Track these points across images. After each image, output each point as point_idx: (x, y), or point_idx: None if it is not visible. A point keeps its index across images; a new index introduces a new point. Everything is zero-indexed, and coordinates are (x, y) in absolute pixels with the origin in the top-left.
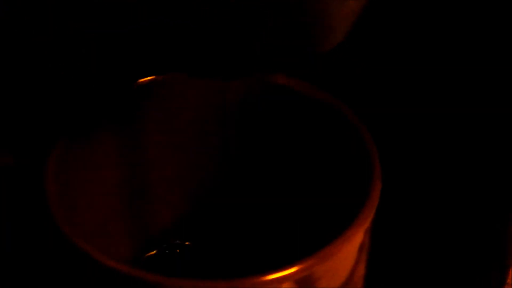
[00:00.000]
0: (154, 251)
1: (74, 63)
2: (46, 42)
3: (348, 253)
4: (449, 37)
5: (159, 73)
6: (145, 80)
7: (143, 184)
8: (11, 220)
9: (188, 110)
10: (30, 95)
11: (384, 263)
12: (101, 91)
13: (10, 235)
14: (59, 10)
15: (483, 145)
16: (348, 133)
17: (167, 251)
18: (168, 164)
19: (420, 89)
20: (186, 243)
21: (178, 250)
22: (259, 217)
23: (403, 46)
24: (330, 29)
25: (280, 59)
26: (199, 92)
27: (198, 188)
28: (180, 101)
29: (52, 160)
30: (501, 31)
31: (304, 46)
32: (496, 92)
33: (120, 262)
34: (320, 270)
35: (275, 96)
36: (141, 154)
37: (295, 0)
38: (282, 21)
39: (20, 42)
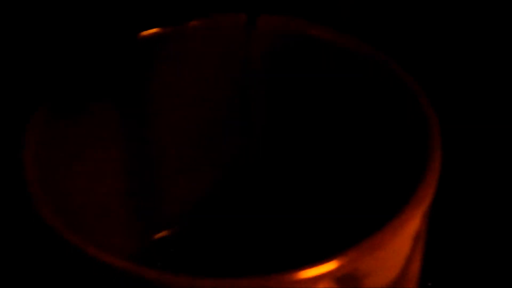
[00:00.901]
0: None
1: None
2: None
3: (401, 243)
4: None
5: (166, 23)
6: (149, 33)
7: (147, 164)
8: None
9: (202, 70)
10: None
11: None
12: (93, 48)
13: None
14: None
15: None
16: (401, 96)
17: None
18: (178, 140)
19: None
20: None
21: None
22: (287, 201)
23: None
24: None
25: None
26: (215, 46)
27: (215, 169)
28: (193, 59)
29: (31, 137)
30: None
31: None
32: None
33: (117, 255)
34: (367, 265)
35: (310, 52)
36: (145, 127)
37: None
38: None
39: None
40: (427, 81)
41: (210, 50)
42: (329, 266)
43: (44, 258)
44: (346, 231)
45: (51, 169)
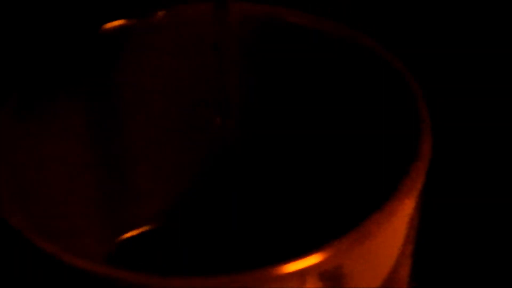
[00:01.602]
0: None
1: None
2: None
3: (394, 230)
4: None
5: (132, 14)
6: (113, 25)
7: (118, 162)
8: None
9: (171, 62)
10: None
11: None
12: (56, 41)
13: None
14: None
15: None
16: (386, 76)
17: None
18: (149, 135)
19: None
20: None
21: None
22: (274, 194)
23: None
24: None
25: None
26: (183, 37)
27: (192, 165)
28: (161, 51)
29: None
30: None
31: None
32: None
33: (87, 257)
34: (356, 257)
35: (290, 39)
36: (115, 123)
37: None
38: None
39: None
40: (425, 77)
41: (178, 42)
42: (315, 259)
43: (12, 263)
44: (336, 224)
45: (14, 165)
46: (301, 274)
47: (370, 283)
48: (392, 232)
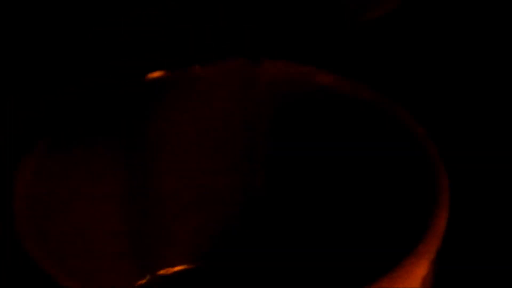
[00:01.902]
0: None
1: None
2: None
3: None
4: None
5: (170, 67)
6: (155, 76)
7: (147, 205)
8: None
9: (206, 113)
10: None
11: None
12: (100, 85)
13: None
14: None
15: None
16: (406, 142)
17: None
18: (179, 181)
19: None
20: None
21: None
22: (295, 241)
23: None
24: None
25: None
26: (220, 90)
27: (218, 209)
28: (198, 101)
29: (26, 170)
30: None
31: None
32: None
33: None
34: None
35: (314, 98)
36: (147, 167)
37: None
38: None
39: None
40: (434, 124)
41: (214, 94)
42: None
43: None
44: (351, 275)
45: (45, 205)
46: None
47: None
48: None
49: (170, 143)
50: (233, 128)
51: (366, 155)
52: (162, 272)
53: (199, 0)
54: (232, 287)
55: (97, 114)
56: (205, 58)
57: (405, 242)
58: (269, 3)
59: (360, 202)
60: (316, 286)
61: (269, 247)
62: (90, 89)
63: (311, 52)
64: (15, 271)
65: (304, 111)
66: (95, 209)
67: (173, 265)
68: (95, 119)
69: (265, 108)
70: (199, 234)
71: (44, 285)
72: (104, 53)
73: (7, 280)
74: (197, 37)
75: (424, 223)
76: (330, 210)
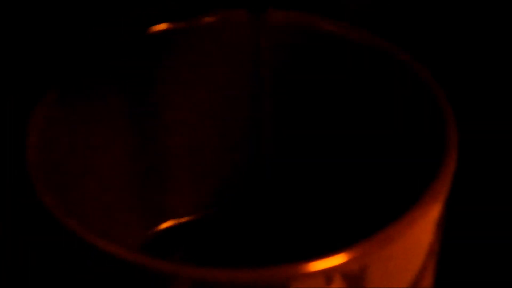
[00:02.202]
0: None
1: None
2: None
3: (420, 234)
4: None
5: (175, 18)
6: (158, 28)
7: (158, 153)
8: None
9: (211, 65)
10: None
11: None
12: (105, 38)
13: None
14: None
15: None
16: (415, 87)
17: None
18: (185, 135)
19: None
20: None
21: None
22: (300, 197)
23: None
24: None
25: None
26: (224, 41)
27: (227, 158)
28: (202, 54)
29: (37, 121)
30: None
31: None
32: None
33: (121, 244)
34: (382, 259)
35: (320, 45)
36: (155, 116)
37: None
38: None
39: None
40: (441, 74)
41: (218, 46)
42: (337, 260)
43: (46, 246)
44: (362, 228)
45: (55, 153)
46: (327, 273)
47: (394, 286)
48: (418, 236)
49: (175, 98)
50: (240, 80)
51: (373, 100)
52: (168, 224)
53: None
54: (237, 236)
55: (104, 66)
56: (210, 9)
57: (417, 185)
58: None
59: (368, 149)
60: (326, 233)
61: (274, 204)
62: (97, 41)
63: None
64: (29, 218)
65: (311, 59)
66: (103, 160)
67: (177, 217)
68: (100, 72)
69: (271, 57)
70: (204, 186)
71: (56, 230)
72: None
73: (20, 227)
74: None
75: (435, 165)
76: (341, 162)
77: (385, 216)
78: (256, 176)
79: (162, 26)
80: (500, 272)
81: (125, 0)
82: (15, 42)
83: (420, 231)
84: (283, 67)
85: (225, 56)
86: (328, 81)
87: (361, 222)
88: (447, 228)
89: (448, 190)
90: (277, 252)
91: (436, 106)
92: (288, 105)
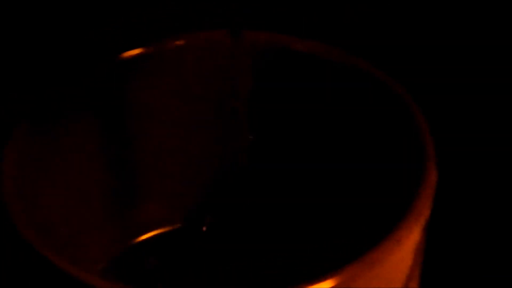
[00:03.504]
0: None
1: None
2: None
3: (402, 257)
4: None
5: (147, 43)
6: (130, 53)
7: (131, 168)
8: None
9: (185, 86)
10: None
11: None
12: (76, 66)
13: None
14: None
15: None
16: (391, 105)
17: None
18: (161, 156)
19: None
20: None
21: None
22: (281, 213)
23: None
24: None
25: None
26: (197, 62)
27: (201, 182)
28: (175, 76)
29: (11, 150)
30: None
31: None
32: None
33: (90, 267)
34: (367, 281)
35: (297, 65)
36: (127, 143)
37: None
38: None
39: None
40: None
41: (192, 67)
42: (325, 285)
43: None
44: (341, 248)
45: (30, 181)
46: None
47: None
48: (401, 258)
49: (149, 121)
50: (216, 97)
51: (347, 115)
52: (142, 237)
53: None
54: (215, 246)
55: (74, 94)
56: (188, 30)
57: (398, 206)
58: None
59: (345, 167)
60: (308, 259)
61: (253, 209)
62: (70, 70)
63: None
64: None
65: (286, 77)
66: (78, 181)
67: (153, 229)
68: (72, 99)
69: (248, 76)
70: (179, 198)
71: (30, 256)
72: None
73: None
74: (180, 10)
75: (413, 188)
76: (316, 172)
77: (371, 238)
78: (234, 186)
79: (133, 51)
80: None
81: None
82: None
83: (403, 252)
84: (259, 85)
85: (198, 75)
86: (305, 98)
87: (346, 244)
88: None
89: (428, 214)
90: (252, 265)
91: (412, 122)
92: (266, 117)
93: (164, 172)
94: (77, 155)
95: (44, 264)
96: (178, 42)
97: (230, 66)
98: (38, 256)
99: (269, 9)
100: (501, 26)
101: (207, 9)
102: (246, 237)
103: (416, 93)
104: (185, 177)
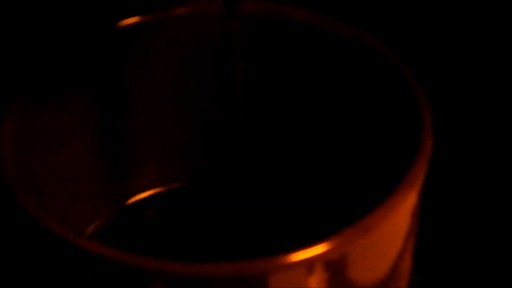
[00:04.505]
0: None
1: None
2: None
3: (398, 222)
4: None
5: (141, 12)
6: (127, 22)
7: (124, 142)
8: None
9: (182, 57)
10: None
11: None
12: (71, 36)
13: None
14: None
15: None
16: (388, 75)
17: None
18: (156, 128)
19: None
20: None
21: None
22: (279, 175)
23: None
24: None
25: None
26: (195, 33)
27: (192, 151)
28: (172, 47)
29: (9, 119)
30: None
31: None
32: None
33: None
34: (361, 248)
35: (292, 35)
36: (123, 109)
37: None
38: None
39: None
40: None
41: (190, 37)
42: (317, 250)
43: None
44: (339, 217)
45: (27, 147)
46: (308, 263)
47: (373, 274)
48: (396, 224)
49: (146, 92)
50: (209, 68)
51: (345, 86)
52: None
53: None
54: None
55: (69, 66)
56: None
57: (394, 172)
58: None
59: (341, 135)
60: (305, 228)
61: (247, 178)
62: (61, 41)
63: None
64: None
65: (283, 48)
66: (71, 151)
67: (147, 190)
68: (67, 71)
69: (242, 47)
70: (175, 159)
71: (26, 223)
72: None
73: None
74: None
75: (409, 152)
76: (313, 142)
77: (365, 202)
78: (228, 158)
79: (129, 20)
80: (479, 260)
81: None
82: None
83: (398, 218)
84: (254, 55)
85: (195, 46)
86: (302, 68)
87: (342, 211)
88: (424, 214)
89: (423, 180)
90: (258, 246)
91: (408, 90)
92: (262, 92)
93: (160, 135)
94: (73, 120)
95: (34, 224)
96: (178, 11)
97: (224, 35)
98: (28, 217)
99: None
100: None
101: None
102: (241, 198)
103: (412, 62)
104: (181, 139)
